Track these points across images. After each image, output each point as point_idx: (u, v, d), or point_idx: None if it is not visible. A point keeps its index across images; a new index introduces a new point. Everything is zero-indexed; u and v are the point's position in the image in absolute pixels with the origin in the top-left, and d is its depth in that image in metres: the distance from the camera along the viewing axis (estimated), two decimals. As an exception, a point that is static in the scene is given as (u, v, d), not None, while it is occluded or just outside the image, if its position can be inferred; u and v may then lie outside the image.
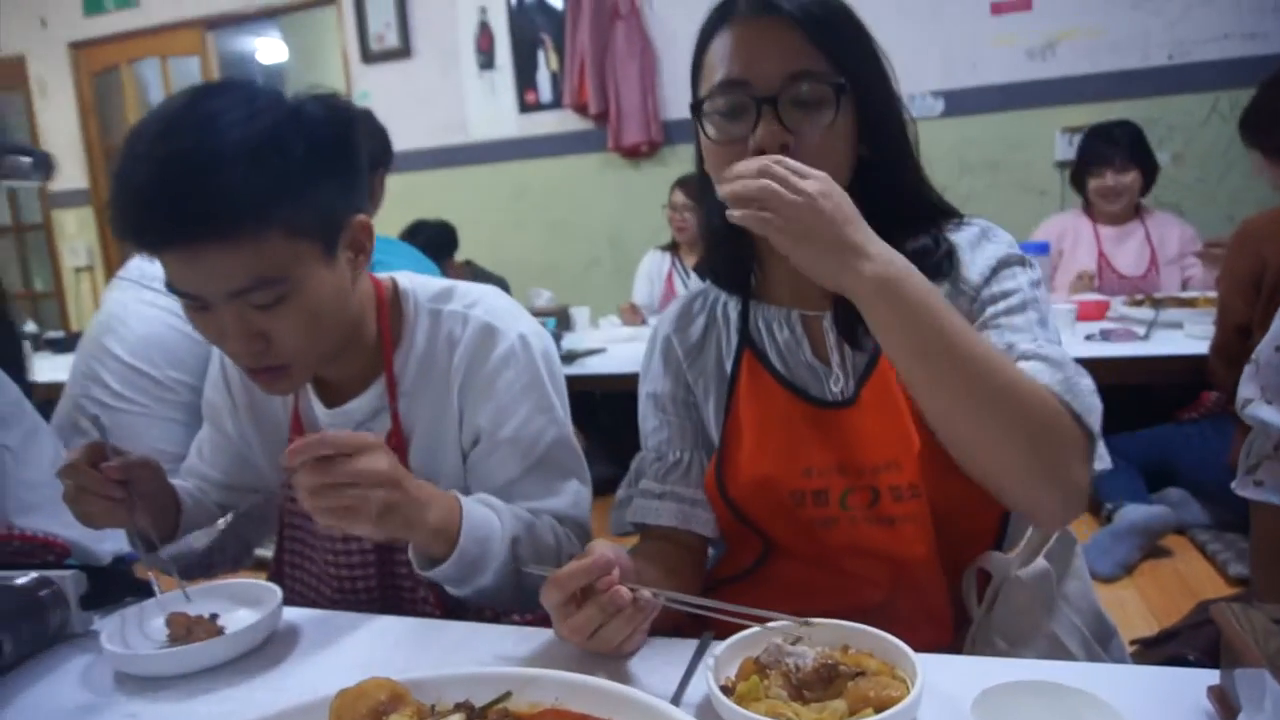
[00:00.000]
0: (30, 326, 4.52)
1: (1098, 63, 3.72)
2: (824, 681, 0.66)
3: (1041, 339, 0.90)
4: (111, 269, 5.62)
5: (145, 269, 2.51)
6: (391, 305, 1.15)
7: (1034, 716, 0.52)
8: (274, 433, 1.22)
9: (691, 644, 0.82)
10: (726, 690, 0.69)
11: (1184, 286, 3.02)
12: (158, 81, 5.48)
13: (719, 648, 0.74)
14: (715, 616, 0.77)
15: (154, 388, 2.37)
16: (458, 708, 0.63)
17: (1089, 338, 2.31)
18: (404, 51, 4.72)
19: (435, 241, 3.53)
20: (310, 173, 0.93)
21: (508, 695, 0.67)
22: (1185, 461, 2.18)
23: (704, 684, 0.69)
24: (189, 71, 5.33)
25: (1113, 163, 2.94)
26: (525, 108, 4.64)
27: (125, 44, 5.38)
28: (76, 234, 5.78)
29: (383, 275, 1.17)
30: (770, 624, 0.75)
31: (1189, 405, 2.27)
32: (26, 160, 2.89)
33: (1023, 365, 0.85)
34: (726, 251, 1.04)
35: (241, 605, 0.98)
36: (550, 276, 4.39)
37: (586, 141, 4.57)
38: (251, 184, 0.88)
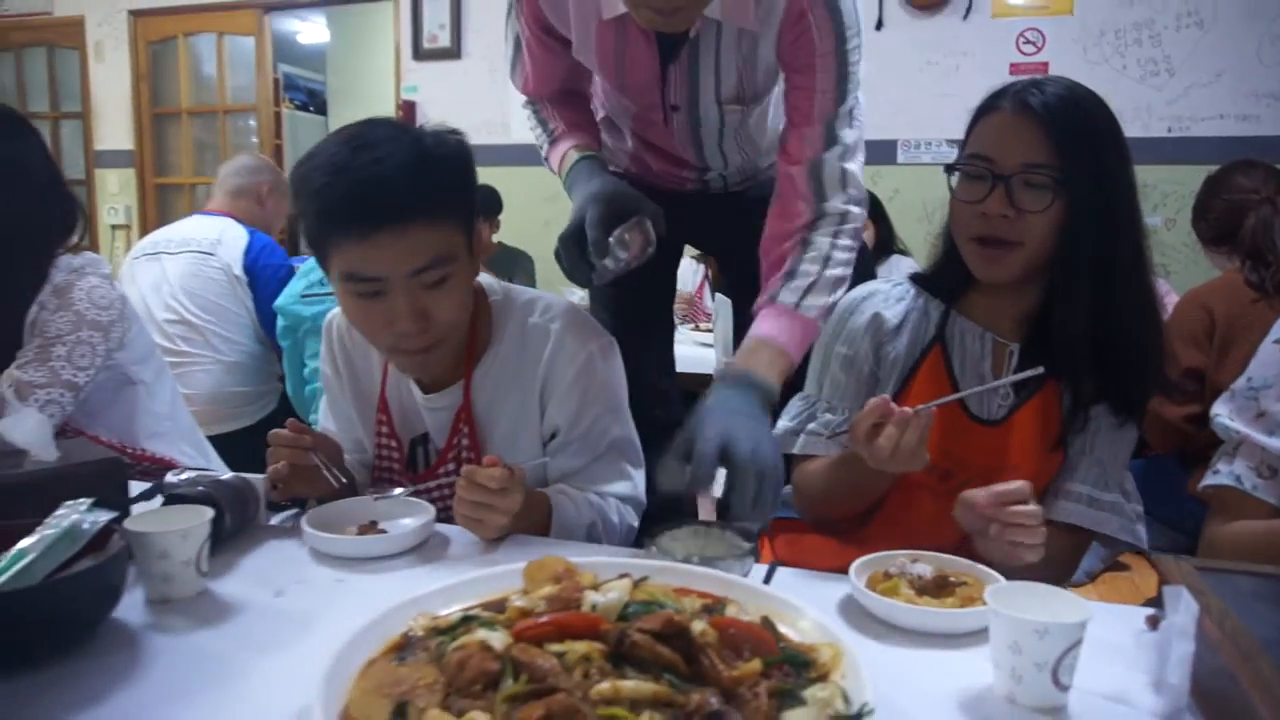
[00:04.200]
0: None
1: (1104, 127, 4.03)
2: (939, 588, 0.94)
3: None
4: (148, 228, 5.83)
5: (158, 238, 2.80)
6: (482, 311, 1.38)
7: (1028, 605, 0.78)
8: (367, 405, 1.45)
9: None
10: None
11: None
12: (211, 56, 5.71)
13: (856, 564, 0.99)
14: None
15: (198, 335, 2.64)
16: (621, 576, 0.87)
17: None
18: (454, 52, 4.98)
19: (481, 201, 3.76)
20: (464, 180, 1.24)
21: (645, 578, 0.92)
22: (1146, 491, 2.46)
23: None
24: (244, 49, 5.58)
25: None
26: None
27: (184, 17, 5.62)
28: (118, 193, 5.99)
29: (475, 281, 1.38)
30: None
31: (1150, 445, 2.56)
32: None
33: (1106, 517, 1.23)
34: (952, 269, 1.28)
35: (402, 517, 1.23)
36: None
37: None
38: (436, 182, 1.18)
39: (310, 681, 0.69)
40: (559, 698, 0.65)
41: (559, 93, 1.58)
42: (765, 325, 1.33)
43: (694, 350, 3.04)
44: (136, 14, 5.72)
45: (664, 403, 1.75)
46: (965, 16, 4.15)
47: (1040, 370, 1.13)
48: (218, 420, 2.59)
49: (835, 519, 1.33)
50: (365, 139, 1.18)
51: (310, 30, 7.41)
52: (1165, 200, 3.96)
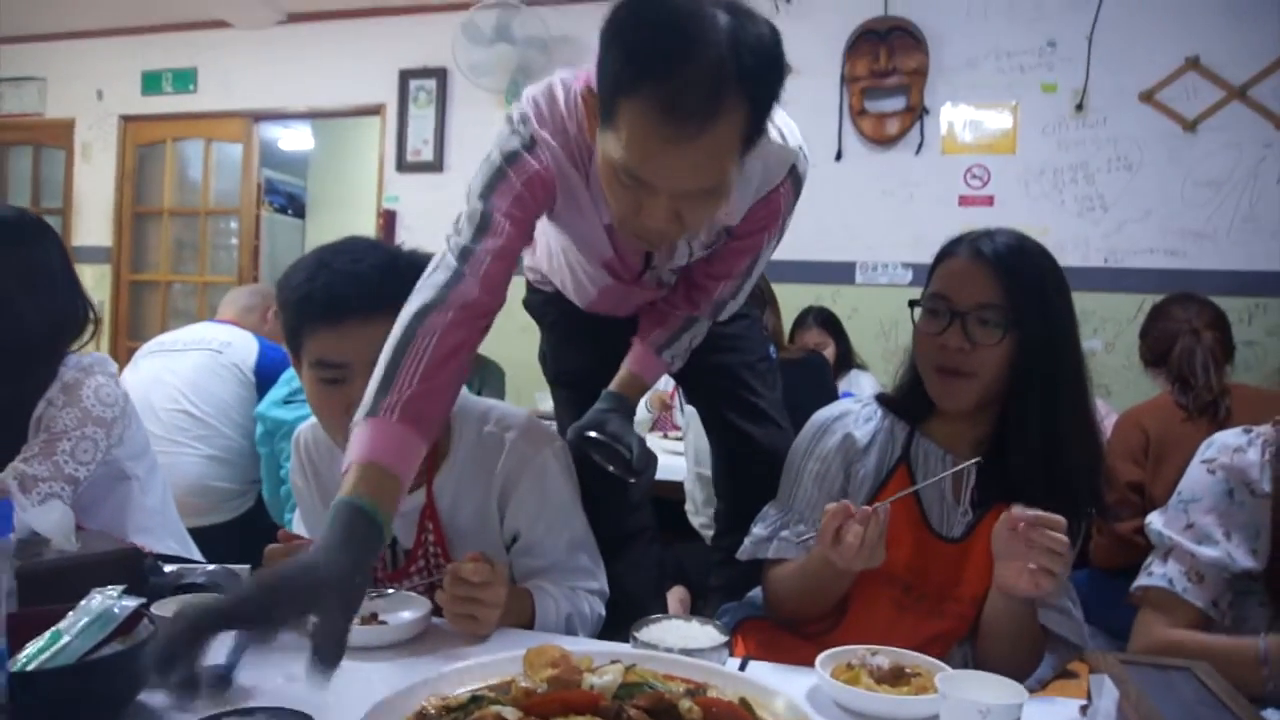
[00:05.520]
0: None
1: (1046, 256, 4.32)
2: (895, 677, 1.05)
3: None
4: (119, 327, 5.89)
5: (164, 339, 2.94)
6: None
7: (973, 689, 0.90)
8: None
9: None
10: None
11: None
12: (199, 160, 5.89)
13: (822, 656, 1.10)
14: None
15: (196, 426, 2.73)
16: (614, 662, 0.97)
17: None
18: (436, 165, 5.21)
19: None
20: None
21: (634, 665, 1.01)
22: (1093, 601, 2.59)
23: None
24: (231, 155, 5.77)
25: None
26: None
27: (175, 123, 5.81)
28: (93, 288, 6.03)
29: None
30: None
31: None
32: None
33: (1051, 615, 1.33)
34: (917, 394, 1.43)
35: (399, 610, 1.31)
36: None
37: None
38: (405, 280, 1.24)
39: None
40: (568, 763, 0.74)
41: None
42: (637, 364, 1.56)
43: (663, 458, 3.14)
44: (128, 119, 5.91)
45: (632, 510, 1.81)
46: (917, 152, 4.48)
47: (977, 460, 1.29)
48: (198, 513, 2.64)
49: (802, 619, 1.44)
50: (345, 246, 1.38)
51: (291, 136, 7.66)
52: (1104, 325, 4.23)
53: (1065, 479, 1.33)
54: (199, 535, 2.23)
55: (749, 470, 1.76)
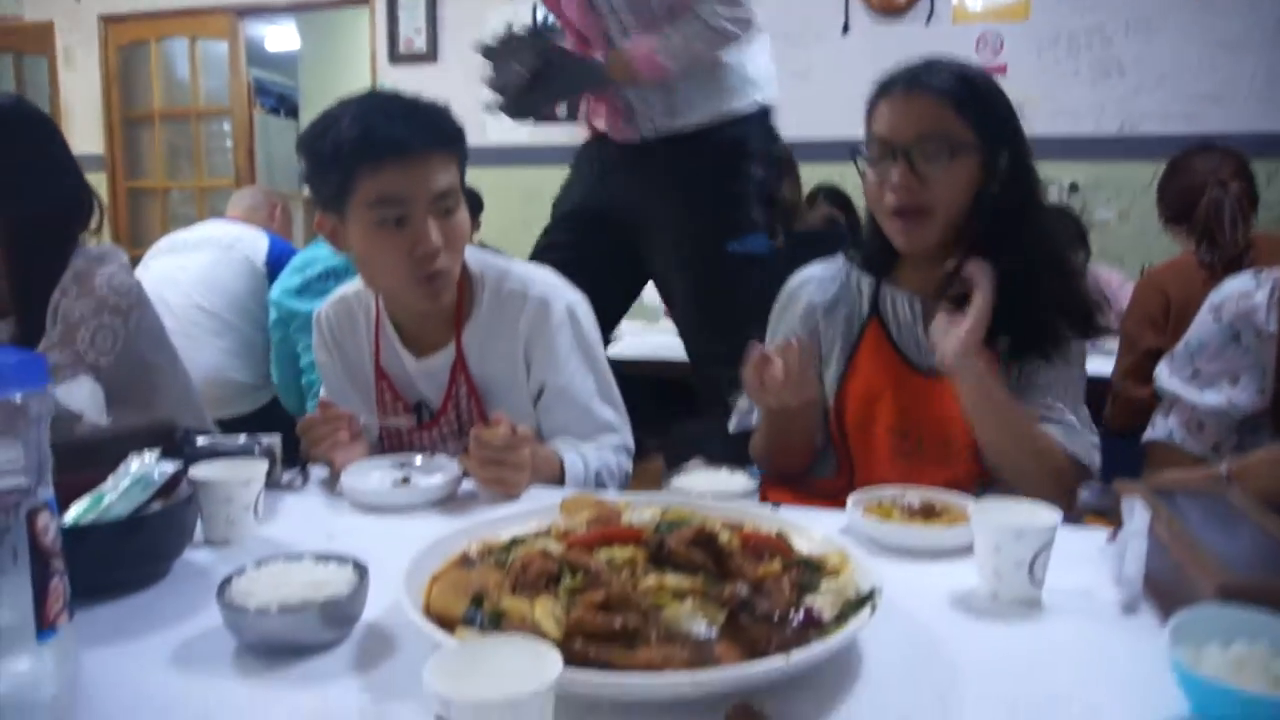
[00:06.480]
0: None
1: (1057, 127, 4.21)
2: (926, 514, 1.07)
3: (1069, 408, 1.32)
4: (120, 236, 5.83)
5: (174, 239, 2.93)
6: (463, 278, 1.50)
7: (1007, 515, 0.91)
8: (363, 383, 1.57)
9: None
10: None
11: (1116, 317, 3.47)
12: (184, 60, 5.73)
13: (854, 496, 1.11)
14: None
15: (210, 320, 2.74)
16: (651, 503, 0.98)
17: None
18: (430, 56, 5.06)
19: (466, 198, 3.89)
20: (459, 131, 1.39)
21: (669, 508, 1.03)
22: (1107, 463, 2.62)
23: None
24: (217, 53, 5.60)
25: (1070, 245, 3.40)
26: (540, 118, 5.00)
27: (156, 21, 5.63)
28: (89, 198, 5.96)
29: None
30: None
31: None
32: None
33: (1052, 429, 1.29)
34: (881, 245, 1.39)
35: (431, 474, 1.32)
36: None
37: (595, 154, 4.95)
38: (449, 125, 1.38)
39: (385, 590, 0.79)
40: (615, 587, 0.76)
41: None
42: (630, 45, 1.98)
43: (674, 340, 3.14)
44: (107, 19, 5.72)
45: None
46: (927, 22, 4.33)
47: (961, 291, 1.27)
48: (218, 405, 2.67)
49: (788, 470, 1.45)
50: (380, 94, 1.40)
51: (278, 36, 7.44)
52: (1118, 194, 4.16)
53: (1039, 305, 1.30)
54: (221, 428, 2.25)
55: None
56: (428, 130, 1.33)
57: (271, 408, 2.86)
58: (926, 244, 1.33)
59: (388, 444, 1.57)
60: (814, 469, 1.47)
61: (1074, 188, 4.26)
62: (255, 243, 2.90)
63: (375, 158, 1.30)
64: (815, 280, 1.49)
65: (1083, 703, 0.71)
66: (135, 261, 2.99)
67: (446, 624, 0.75)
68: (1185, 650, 0.68)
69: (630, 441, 1.53)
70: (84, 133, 5.89)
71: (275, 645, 0.79)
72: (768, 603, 0.77)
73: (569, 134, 5.13)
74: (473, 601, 0.77)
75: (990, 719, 0.69)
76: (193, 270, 2.80)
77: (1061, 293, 1.33)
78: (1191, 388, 1.33)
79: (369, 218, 1.33)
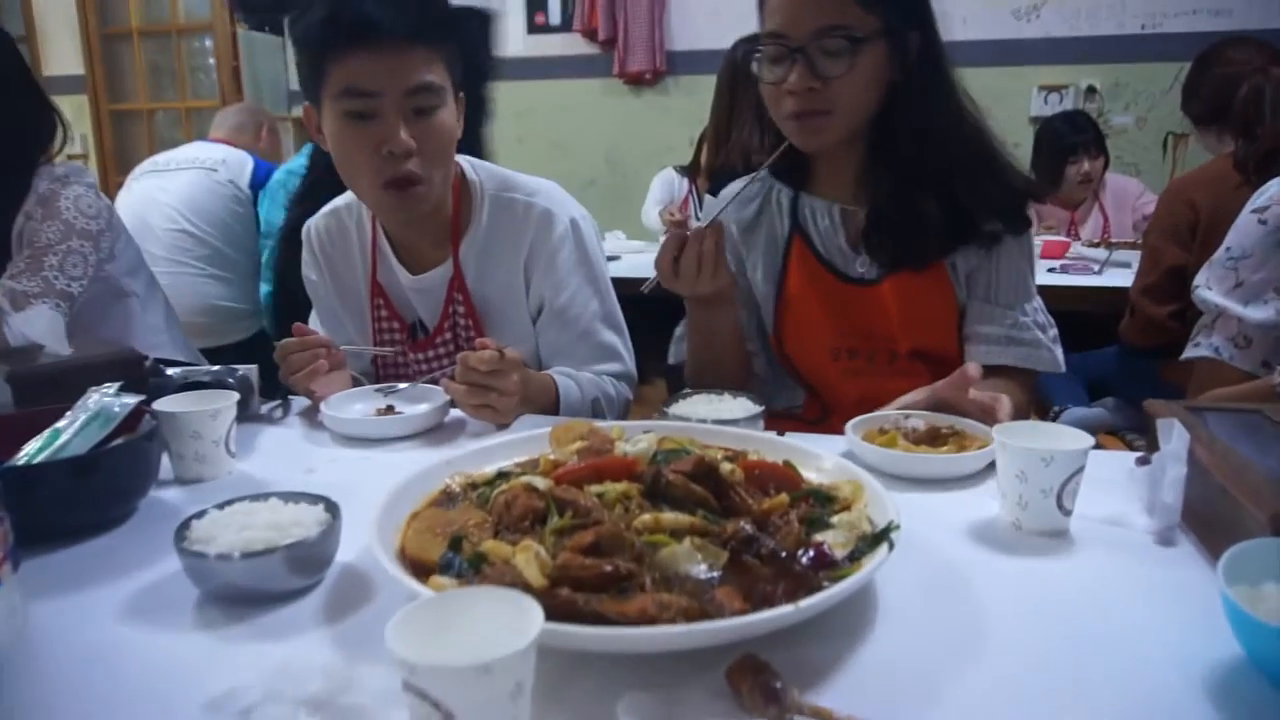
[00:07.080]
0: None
1: (1076, 27, 4.02)
2: (933, 438, 0.99)
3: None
4: (106, 160, 5.67)
5: (158, 159, 2.81)
6: (461, 190, 1.40)
7: (1032, 438, 0.83)
8: (355, 301, 1.48)
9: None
10: None
11: (1135, 228, 3.36)
12: (160, -28, 5.47)
13: (851, 423, 1.03)
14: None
15: (197, 246, 2.66)
16: (646, 433, 0.91)
17: (1050, 270, 2.65)
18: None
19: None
20: (458, 28, 1.29)
21: (667, 437, 0.96)
22: (1122, 377, 2.54)
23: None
24: (194, -35, 5.35)
25: (1089, 150, 3.26)
26: (534, 28, 4.80)
27: (130, -69, 5.35)
28: (73, 121, 5.77)
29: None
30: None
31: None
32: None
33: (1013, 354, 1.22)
34: (791, 152, 1.28)
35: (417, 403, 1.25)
36: (550, 193, 4.61)
37: (592, 66, 4.75)
38: (435, 15, 1.25)
39: (362, 530, 0.72)
40: (606, 527, 0.69)
41: None
42: None
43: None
44: (78, -71, 5.45)
45: None
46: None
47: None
48: (207, 334, 2.60)
49: (715, 378, 1.32)
50: None
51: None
52: (1137, 99, 3.99)
53: (959, 186, 1.21)
54: (210, 357, 2.18)
55: None
56: (405, 13, 1.19)
57: (264, 336, 2.78)
58: (828, 143, 1.22)
59: (381, 372, 1.49)
60: (779, 400, 1.39)
61: (1091, 91, 4.09)
62: (240, 165, 2.79)
63: (343, 42, 1.19)
64: (739, 200, 1.36)
65: (1120, 645, 0.65)
66: (119, 188, 2.90)
67: (423, 569, 0.68)
68: (1240, 590, 0.61)
69: (633, 369, 1.45)
70: (61, 52, 5.68)
71: (238, 594, 0.73)
72: (773, 541, 0.71)
73: (566, 43, 4.94)
74: (450, 545, 0.70)
75: (1020, 666, 0.63)
76: (175, 193, 2.70)
77: (987, 186, 1.22)
78: (1235, 300, 1.25)
79: (337, 109, 1.23)
